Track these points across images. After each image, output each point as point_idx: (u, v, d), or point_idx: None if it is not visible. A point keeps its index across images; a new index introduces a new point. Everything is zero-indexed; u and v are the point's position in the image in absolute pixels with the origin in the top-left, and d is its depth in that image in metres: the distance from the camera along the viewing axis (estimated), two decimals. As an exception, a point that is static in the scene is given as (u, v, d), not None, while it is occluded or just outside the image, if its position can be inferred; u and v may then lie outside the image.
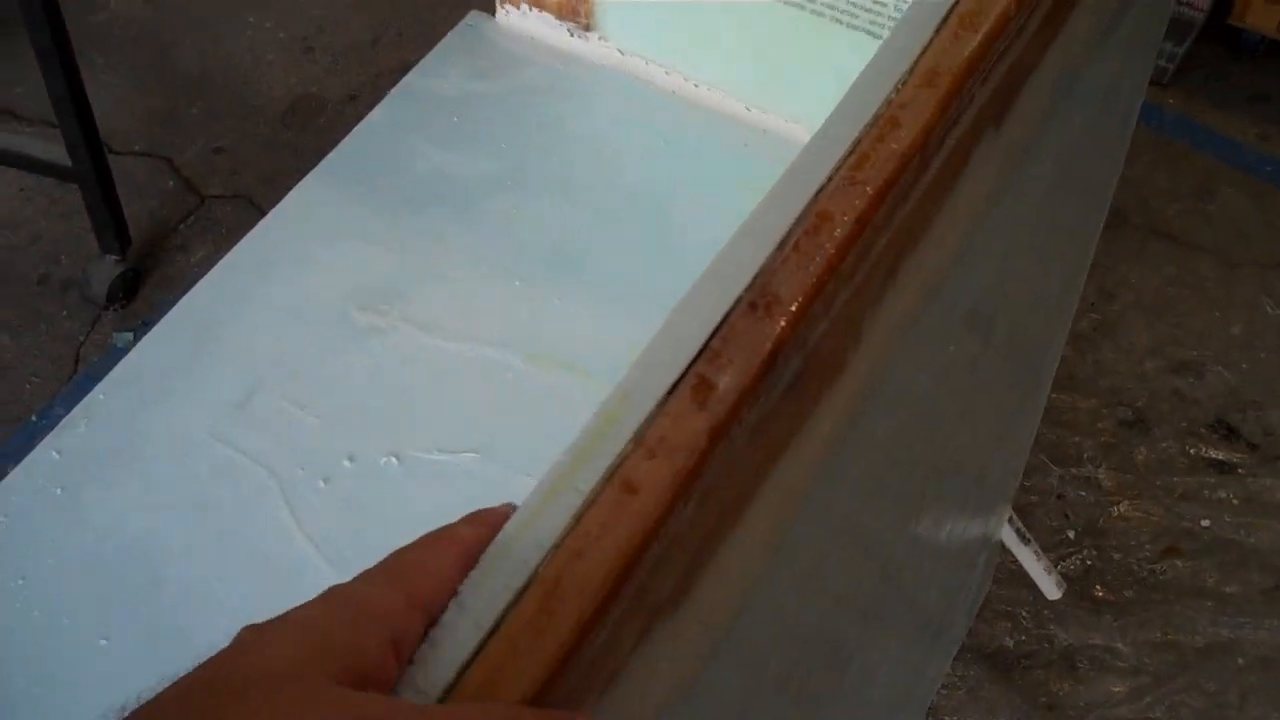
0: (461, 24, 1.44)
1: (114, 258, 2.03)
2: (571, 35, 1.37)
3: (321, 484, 1.05)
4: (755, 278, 0.45)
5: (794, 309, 0.44)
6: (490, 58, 1.39)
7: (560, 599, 0.39)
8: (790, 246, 0.46)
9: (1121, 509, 1.93)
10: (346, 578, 0.40)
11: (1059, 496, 1.94)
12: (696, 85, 1.34)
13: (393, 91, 1.37)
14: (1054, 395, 2.02)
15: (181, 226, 2.20)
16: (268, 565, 0.99)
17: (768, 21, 1.23)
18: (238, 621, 0.39)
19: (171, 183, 2.27)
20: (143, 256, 2.14)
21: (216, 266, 1.19)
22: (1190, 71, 2.58)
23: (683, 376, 0.43)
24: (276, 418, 1.09)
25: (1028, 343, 1.17)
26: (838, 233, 0.46)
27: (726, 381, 0.43)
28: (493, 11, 1.42)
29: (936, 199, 0.55)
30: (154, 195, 2.25)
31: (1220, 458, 1.99)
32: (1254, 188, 2.40)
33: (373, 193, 1.26)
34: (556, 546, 0.40)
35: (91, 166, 1.89)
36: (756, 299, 0.45)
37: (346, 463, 1.06)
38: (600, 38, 1.36)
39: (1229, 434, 2.02)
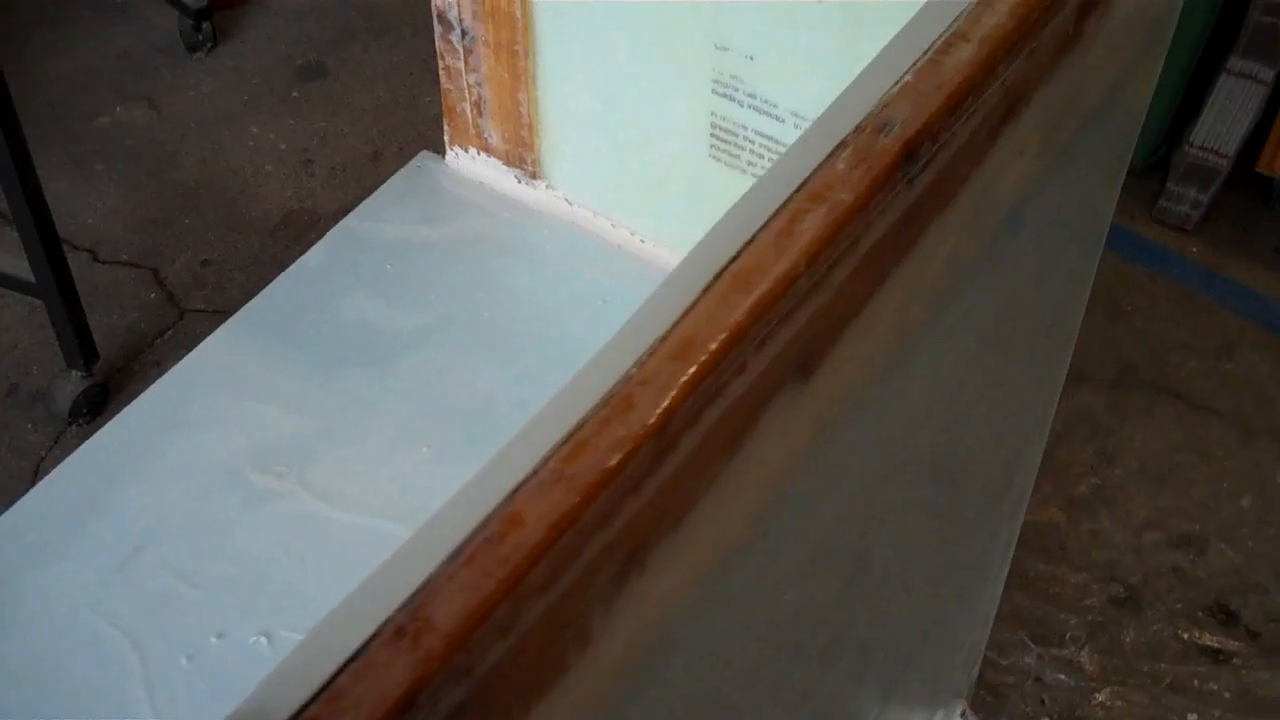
0: (411, 164, 1.39)
1: (79, 373, 1.98)
2: (519, 182, 1.32)
3: (184, 661, 0.98)
4: (413, 596, 0.38)
5: (449, 635, 0.37)
6: (435, 202, 1.34)
7: None
8: (463, 558, 0.39)
9: (1103, 697, 1.80)
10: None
11: (1037, 679, 1.82)
12: (643, 240, 1.28)
13: (330, 233, 1.32)
14: (1042, 566, 1.91)
15: (158, 341, 2.15)
16: (112, 752, 0.92)
17: (708, 178, 1.17)
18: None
19: (154, 295, 2.23)
20: (115, 370, 2.09)
21: (114, 420, 1.13)
22: (1216, 220, 2.48)
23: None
24: (152, 585, 1.03)
25: (947, 545, 1.07)
26: (529, 539, 0.39)
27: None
28: (444, 152, 1.37)
29: (703, 475, 0.47)
30: (134, 308, 2.20)
31: (1215, 645, 1.86)
32: (1277, 348, 2.29)
33: (292, 344, 1.20)
34: None
35: (54, 281, 1.84)
36: (406, 624, 0.37)
37: (214, 639, 0.99)
38: (548, 186, 1.31)
39: (1228, 618, 1.89)
